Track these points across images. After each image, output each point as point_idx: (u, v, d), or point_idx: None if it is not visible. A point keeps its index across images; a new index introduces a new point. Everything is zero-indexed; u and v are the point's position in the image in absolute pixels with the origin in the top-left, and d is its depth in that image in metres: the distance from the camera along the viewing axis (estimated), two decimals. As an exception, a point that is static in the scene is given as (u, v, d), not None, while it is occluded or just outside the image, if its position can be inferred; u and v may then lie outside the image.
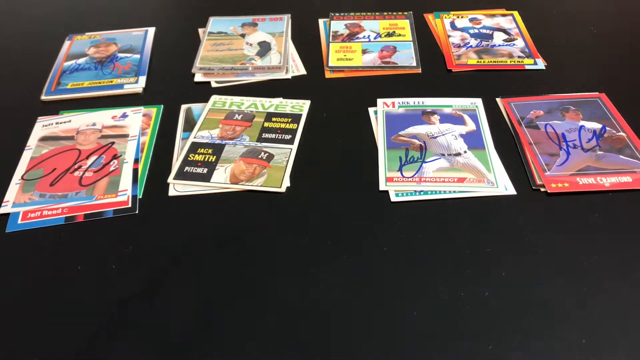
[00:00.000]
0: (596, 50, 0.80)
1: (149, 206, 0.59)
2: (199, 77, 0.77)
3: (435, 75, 0.76)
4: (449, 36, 0.83)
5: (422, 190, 0.59)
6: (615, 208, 0.57)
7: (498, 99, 0.71)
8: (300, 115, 0.70)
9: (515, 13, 0.88)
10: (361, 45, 0.82)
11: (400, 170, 0.61)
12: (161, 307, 0.49)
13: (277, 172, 0.62)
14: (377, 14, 0.89)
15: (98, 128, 0.68)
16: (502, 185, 0.59)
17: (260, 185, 0.60)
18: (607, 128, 0.65)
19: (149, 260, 0.53)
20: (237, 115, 0.70)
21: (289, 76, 0.77)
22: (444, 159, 0.63)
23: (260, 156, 0.64)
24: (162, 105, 0.72)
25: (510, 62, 0.77)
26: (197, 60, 0.80)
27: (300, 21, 0.88)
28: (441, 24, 0.86)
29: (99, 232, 0.56)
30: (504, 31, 0.84)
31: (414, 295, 0.49)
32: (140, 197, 0.60)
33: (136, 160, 0.64)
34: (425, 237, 0.54)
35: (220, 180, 0.61)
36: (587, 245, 0.53)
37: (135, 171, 0.63)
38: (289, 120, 0.69)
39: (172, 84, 0.76)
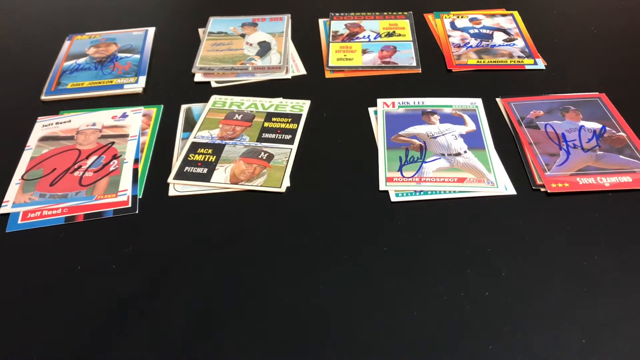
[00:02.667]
0: (596, 50, 0.80)
1: (149, 206, 0.59)
2: (199, 77, 0.77)
3: (435, 75, 0.76)
4: (449, 36, 0.83)
5: (422, 190, 0.59)
6: (615, 208, 0.57)
7: (498, 99, 0.71)
8: (300, 115, 0.70)
9: (515, 13, 0.88)
10: (361, 45, 0.82)
11: (400, 170, 0.61)
12: (161, 307, 0.49)
13: (277, 172, 0.62)
14: (377, 14, 0.89)
15: (98, 128, 0.68)
16: (502, 185, 0.59)
17: (260, 185, 0.60)
18: (607, 128, 0.65)
19: (149, 260, 0.53)
20: (237, 115, 0.70)
21: (289, 76, 0.77)
22: (444, 159, 0.63)
23: (260, 156, 0.64)
24: (162, 105, 0.72)
25: (510, 62, 0.77)
26: (197, 60, 0.80)
27: (300, 21, 0.88)
28: (441, 24, 0.86)
29: (99, 232, 0.56)
30: (504, 31, 0.84)
31: (414, 295, 0.49)
32: (140, 197, 0.60)
33: (136, 160, 0.64)
34: (425, 237, 0.54)
35: (220, 180, 0.61)
36: (587, 245, 0.53)
37: (135, 171, 0.63)
38: (289, 120, 0.69)
39: (172, 84, 0.76)
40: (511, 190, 0.59)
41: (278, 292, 0.50)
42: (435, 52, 0.80)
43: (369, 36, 0.83)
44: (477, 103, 0.70)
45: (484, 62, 0.77)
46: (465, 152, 0.63)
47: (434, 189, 0.59)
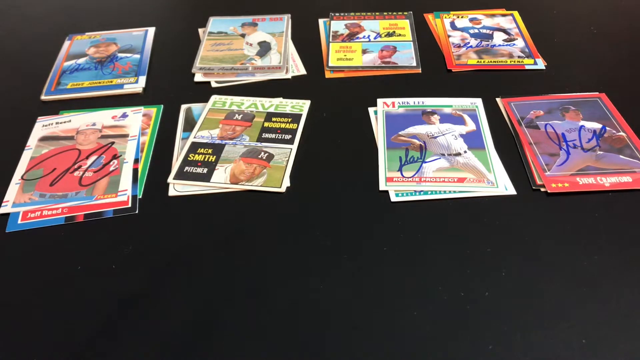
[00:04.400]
0: (596, 50, 0.80)
1: (149, 206, 0.59)
2: (199, 77, 0.77)
3: (435, 75, 0.76)
4: (449, 36, 0.83)
5: (422, 190, 0.59)
6: (615, 208, 0.57)
7: (498, 99, 0.71)
8: (300, 115, 0.70)
9: (515, 13, 0.88)
10: (361, 45, 0.82)
11: (400, 170, 0.61)
12: (161, 307, 0.49)
13: (277, 172, 0.62)
14: (377, 14, 0.89)
15: (98, 128, 0.68)
16: (502, 185, 0.59)
17: (260, 185, 0.60)
18: (607, 128, 0.65)
19: (149, 260, 0.53)
20: (237, 115, 0.70)
21: (289, 76, 0.77)
22: (444, 159, 0.63)
23: (260, 156, 0.64)
24: (162, 105, 0.72)
25: (510, 62, 0.77)
26: (197, 60, 0.80)
27: (300, 21, 0.88)
28: (441, 24, 0.86)
29: (99, 232, 0.56)
30: (504, 31, 0.84)
31: (414, 295, 0.49)
32: (140, 197, 0.60)
33: (136, 160, 0.64)
34: (425, 237, 0.54)
35: (220, 180, 0.61)
36: (587, 245, 0.53)
37: (135, 171, 0.63)
38: (289, 120, 0.69)
39: (172, 84, 0.76)
40: (511, 190, 0.59)
41: (278, 292, 0.50)
42: (435, 52, 0.80)
43: (369, 36, 0.83)
44: (477, 103, 0.70)
45: (484, 62, 0.77)
46: (465, 152, 0.63)
47: (434, 189, 0.59)
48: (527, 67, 0.76)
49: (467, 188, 0.59)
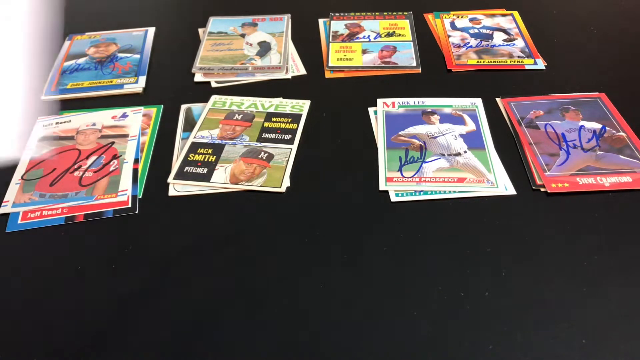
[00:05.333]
0: (596, 50, 0.80)
1: (149, 206, 0.59)
2: (199, 77, 0.77)
3: (435, 75, 0.76)
4: (449, 36, 0.83)
5: (422, 190, 0.59)
6: (615, 208, 0.57)
7: (498, 99, 0.71)
8: (300, 115, 0.70)
9: (515, 13, 0.88)
10: (361, 45, 0.82)
11: (400, 170, 0.61)
12: (161, 307, 0.49)
13: (277, 172, 0.62)
14: (377, 14, 0.89)
15: (98, 128, 0.68)
16: (502, 185, 0.59)
17: (260, 185, 0.60)
18: (607, 128, 0.65)
19: (149, 260, 0.53)
20: (237, 115, 0.70)
21: (289, 76, 0.77)
22: (444, 159, 0.63)
23: (260, 156, 0.64)
24: (162, 105, 0.72)
25: (510, 62, 0.77)
26: (197, 60, 0.80)
27: (300, 21, 0.88)
28: (441, 24, 0.86)
29: (99, 232, 0.56)
30: (504, 31, 0.84)
31: (414, 295, 0.49)
32: (140, 197, 0.60)
33: (136, 160, 0.64)
34: (425, 237, 0.54)
35: (220, 180, 0.61)
36: (587, 245, 0.53)
37: (135, 171, 0.63)
38: (289, 120, 0.69)
39: (172, 84, 0.76)
40: (511, 190, 0.59)
41: (278, 292, 0.50)
42: (435, 52, 0.80)
43: (369, 36, 0.83)
44: (477, 103, 0.70)
45: (484, 62, 0.77)
46: (465, 152, 0.63)
47: (434, 189, 0.59)
48: (527, 67, 0.76)
49: (467, 188, 0.59)
